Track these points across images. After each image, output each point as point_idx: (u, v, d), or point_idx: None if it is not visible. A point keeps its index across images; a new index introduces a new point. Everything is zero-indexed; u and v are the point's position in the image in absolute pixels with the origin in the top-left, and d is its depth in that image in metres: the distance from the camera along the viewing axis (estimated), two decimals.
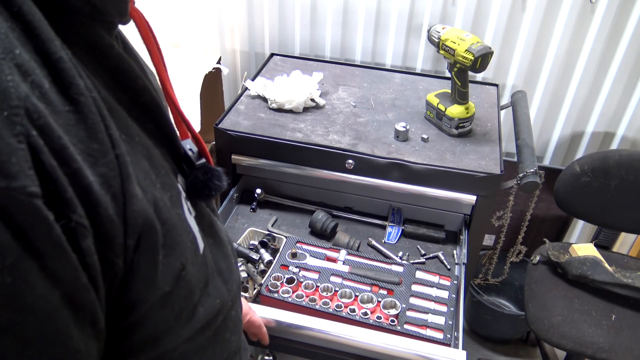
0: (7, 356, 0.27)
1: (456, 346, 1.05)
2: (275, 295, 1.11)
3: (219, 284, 0.50)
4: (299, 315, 1.03)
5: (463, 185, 1.29)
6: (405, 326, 1.07)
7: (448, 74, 1.40)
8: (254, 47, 1.92)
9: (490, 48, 1.27)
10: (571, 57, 1.71)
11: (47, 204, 0.28)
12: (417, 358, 0.98)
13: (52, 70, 0.31)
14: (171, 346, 0.44)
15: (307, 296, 1.12)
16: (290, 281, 1.15)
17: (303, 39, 1.86)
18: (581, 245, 1.63)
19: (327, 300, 1.11)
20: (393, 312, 1.09)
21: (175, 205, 0.43)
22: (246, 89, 1.56)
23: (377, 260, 1.23)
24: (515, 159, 1.41)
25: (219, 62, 1.73)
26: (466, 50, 1.27)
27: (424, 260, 1.30)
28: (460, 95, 1.38)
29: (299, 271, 1.18)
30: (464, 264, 1.26)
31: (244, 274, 1.20)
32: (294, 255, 1.22)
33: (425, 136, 1.39)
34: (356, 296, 1.12)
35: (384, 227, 1.39)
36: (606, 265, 1.53)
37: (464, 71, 1.34)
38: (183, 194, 0.46)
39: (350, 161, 1.32)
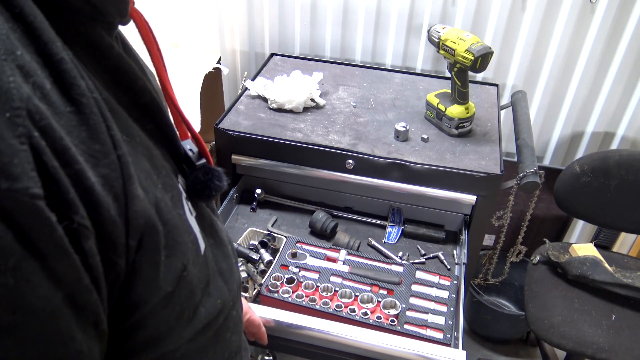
0: (9, 357, 0.27)
1: (456, 346, 1.05)
2: (275, 295, 1.11)
3: (220, 284, 0.51)
4: (299, 315, 1.03)
5: (463, 185, 1.29)
6: (405, 326, 1.07)
7: (448, 74, 1.40)
8: (254, 47, 1.92)
9: (490, 48, 1.27)
10: (571, 57, 1.71)
11: (50, 205, 0.28)
12: (417, 358, 0.98)
13: (53, 71, 0.31)
14: (173, 346, 0.44)
15: (307, 296, 1.12)
16: (290, 281, 1.15)
17: (303, 39, 1.86)
18: (581, 245, 1.63)
19: (327, 300, 1.11)
20: (393, 312, 1.09)
21: (177, 206, 0.43)
22: (246, 89, 1.56)
23: (377, 260, 1.23)
24: (515, 159, 1.41)
25: (219, 62, 1.73)
26: (466, 50, 1.27)
27: (424, 260, 1.30)
28: (460, 95, 1.38)
29: (299, 271, 1.18)
30: (464, 264, 1.26)
31: (244, 274, 1.20)
32: (294, 255, 1.22)
33: (425, 136, 1.39)
34: (356, 296, 1.12)
35: (384, 227, 1.39)
36: (606, 265, 1.53)
37: (464, 71, 1.34)
38: (184, 194, 0.46)
39: (350, 161, 1.32)
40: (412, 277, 1.19)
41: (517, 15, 1.67)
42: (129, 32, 0.49)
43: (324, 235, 1.35)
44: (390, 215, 1.41)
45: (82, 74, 0.34)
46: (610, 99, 1.75)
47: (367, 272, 1.19)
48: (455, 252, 1.34)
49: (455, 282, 1.19)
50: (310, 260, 1.21)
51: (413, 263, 1.27)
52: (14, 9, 0.30)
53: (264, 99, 1.51)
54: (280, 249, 1.24)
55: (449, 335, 1.06)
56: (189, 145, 0.51)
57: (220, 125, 1.38)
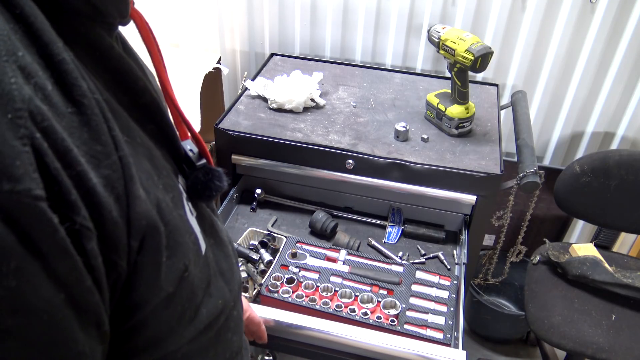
0: (12, 359, 0.27)
1: (456, 346, 1.05)
2: (275, 295, 1.11)
3: (220, 285, 0.51)
4: (299, 315, 1.03)
5: (463, 185, 1.29)
6: (405, 326, 1.07)
7: (448, 74, 1.40)
8: (254, 47, 1.92)
9: (490, 48, 1.27)
10: (571, 57, 1.71)
11: (52, 206, 0.28)
12: (417, 358, 0.98)
13: (54, 72, 0.31)
14: (174, 347, 0.44)
15: (307, 296, 1.12)
16: (290, 281, 1.15)
17: (303, 39, 1.86)
18: (581, 245, 1.63)
19: (327, 300, 1.11)
20: (393, 312, 1.09)
21: (177, 206, 0.43)
22: (246, 89, 1.56)
23: (377, 260, 1.23)
24: (515, 159, 1.41)
25: (219, 62, 1.73)
26: (466, 50, 1.27)
27: (424, 260, 1.30)
28: (460, 95, 1.38)
29: (299, 271, 1.18)
30: (464, 264, 1.26)
31: (244, 274, 1.20)
32: (294, 255, 1.22)
33: (425, 136, 1.39)
34: (356, 296, 1.12)
35: (384, 227, 1.39)
36: (606, 265, 1.53)
37: (464, 71, 1.34)
38: (184, 195, 0.46)
39: (350, 161, 1.32)
40: (412, 277, 1.19)
41: (517, 15, 1.67)
42: (129, 32, 0.49)
43: (324, 235, 1.35)
44: (390, 215, 1.41)
45: (83, 75, 0.34)
46: (610, 99, 1.75)
47: (367, 272, 1.19)
48: (455, 252, 1.34)
49: (455, 282, 1.19)
50: (310, 260, 1.21)
51: (413, 263, 1.28)
52: (14, 10, 0.30)
53: (264, 99, 1.51)
54: (280, 249, 1.24)
55: (449, 335, 1.06)
56: (189, 145, 0.51)
57: (220, 125, 1.38)
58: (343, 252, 1.24)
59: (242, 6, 1.82)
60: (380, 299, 1.11)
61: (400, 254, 1.30)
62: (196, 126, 1.45)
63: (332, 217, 1.36)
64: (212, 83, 1.71)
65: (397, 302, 1.11)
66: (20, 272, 0.26)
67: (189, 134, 0.52)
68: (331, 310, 1.09)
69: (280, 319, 1.02)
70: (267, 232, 1.32)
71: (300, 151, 1.33)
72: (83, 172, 0.30)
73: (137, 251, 0.36)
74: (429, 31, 1.39)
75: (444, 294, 1.15)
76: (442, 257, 1.31)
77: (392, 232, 1.37)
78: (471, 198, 1.30)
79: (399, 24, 1.76)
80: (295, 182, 1.44)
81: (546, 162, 1.92)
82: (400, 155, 1.31)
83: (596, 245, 1.63)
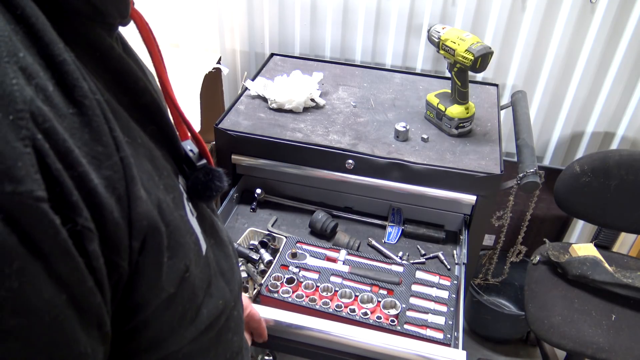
0: None
1: (456, 346, 1.05)
2: (275, 295, 1.11)
3: (221, 285, 0.51)
4: (299, 315, 1.03)
5: (463, 185, 1.29)
6: (405, 326, 1.07)
7: (448, 74, 1.40)
8: (254, 47, 1.92)
9: (490, 48, 1.27)
10: (571, 57, 1.71)
11: (53, 207, 0.28)
12: (417, 358, 0.98)
13: (55, 73, 0.31)
14: (175, 348, 0.44)
15: (307, 296, 1.12)
16: (290, 281, 1.15)
17: (303, 39, 1.86)
18: (581, 245, 1.63)
19: (327, 300, 1.11)
20: (393, 312, 1.09)
21: (178, 207, 0.43)
22: (246, 89, 1.56)
23: (377, 260, 1.23)
24: (515, 159, 1.41)
25: (219, 62, 1.73)
26: (466, 50, 1.27)
27: (424, 260, 1.30)
28: (460, 95, 1.38)
29: (299, 271, 1.18)
30: (464, 264, 1.26)
31: (244, 274, 1.20)
32: (294, 255, 1.22)
33: (425, 136, 1.39)
34: (356, 296, 1.12)
35: (384, 227, 1.39)
36: (606, 265, 1.53)
37: (464, 71, 1.34)
38: (184, 195, 0.46)
39: (350, 161, 1.32)
40: (412, 277, 1.19)
41: (517, 15, 1.67)
42: (129, 32, 0.49)
43: (324, 235, 1.35)
44: (390, 215, 1.41)
45: (84, 76, 0.34)
46: (610, 99, 1.75)
47: (367, 272, 1.19)
48: (455, 252, 1.34)
49: (455, 282, 1.19)
50: (310, 260, 1.21)
51: (413, 263, 1.28)
52: (15, 11, 0.30)
53: (264, 99, 1.51)
54: (280, 249, 1.24)
55: (449, 335, 1.06)
56: (189, 145, 0.51)
57: (220, 125, 1.38)
58: (343, 252, 1.24)
59: (242, 6, 1.82)
60: (380, 299, 1.11)
61: (400, 254, 1.31)
62: (196, 126, 1.46)
63: (332, 217, 1.36)
64: (212, 83, 1.71)
65: (397, 302, 1.11)
66: (22, 273, 0.26)
67: (189, 134, 0.52)
68: (331, 310, 1.09)
69: (280, 319, 1.02)
70: (267, 232, 1.32)
71: (300, 151, 1.33)
72: (84, 173, 0.30)
73: (139, 252, 0.36)
74: (429, 31, 1.39)
75: (444, 294, 1.15)
76: (442, 257, 1.31)
77: (392, 232, 1.37)
78: (471, 198, 1.30)
79: (399, 24, 1.76)
80: (295, 182, 1.44)
81: (546, 162, 1.92)
82: (400, 155, 1.31)
83: (596, 245, 1.63)
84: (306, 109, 1.49)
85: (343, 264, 1.22)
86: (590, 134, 1.83)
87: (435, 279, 1.20)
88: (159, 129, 0.45)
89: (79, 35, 0.37)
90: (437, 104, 1.42)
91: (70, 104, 0.31)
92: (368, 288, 1.15)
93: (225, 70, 1.68)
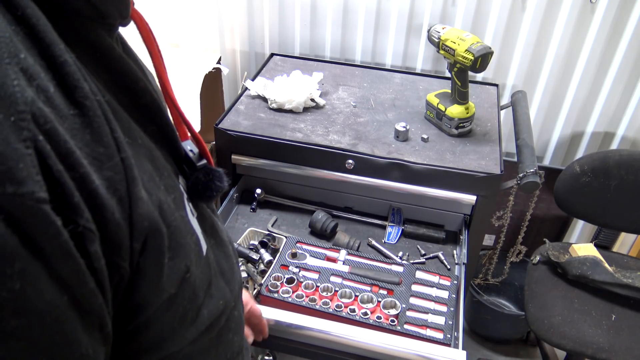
0: None
1: (456, 346, 1.05)
2: (275, 295, 1.11)
3: (221, 285, 0.51)
4: (299, 315, 1.03)
5: (463, 185, 1.29)
6: (405, 326, 1.07)
7: (448, 74, 1.40)
8: (254, 47, 1.92)
9: (490, 48, 1.27)
10: (571, 57, 1.71)
11: (55, 209, 0.28)
12: (417, 358, 0.98)
13: (56, 74, 0.31)
14: (176, 348, 0.44)
15: (307, 296, 1.12)
16: (290, 281, 1.15)
17: (303, 39, 1.86)
18: (581, 245, 1.63)
19: (327, 300, 1.11)
20: (393, 312, 1.09)
21: (179, 207, 0.43)
22: (246, 89, 1.56)
23: (377, 260, 1.23)
24: (515, 159, 1.41)
25: (219, 62, 1.73)
26: (466, 50, 1.27)
27: (424, 260, 1.30)
28: (460, 95, 1.38)
29: (299, 271, 1.18)
30: (464, 264, 1.26)
31: (244, 274, 1.20)
32: (294, 255, 1.22)
33: (425, 136, 1.39)
34: (356, 296, 1.12)
35: (384, 227, 1.39)
36: (606, 265, 1.53)
37: (464, 71, 1.34)
38: (185, 196, 0.46)
39: (350, 161, 1.32)
40: (412, 277, 1.19)
41: (517, 15, 1.67)
42: (129, 32, 0.49)
43: (324, 235, 1.35)
44: (390, 215, 1.41)
45: (85, 77, 0.34)
46: (610, 99, 1.75)
47: (367, 272, 1.19)
48: (455, 252, 1.34)
49: (455, 282, 1.19)
50: (310, 260, 1.21)
51: (413, 263, 1.28)
52: (16, 12, 0.30)
53: (264, 99, 1.51)
54: (280, 249, 1.24)
55: (449, 335, 1.06)
56: (189, 145, 0.51)
57: (220, 125, 1.38)
58: (343, 252, 1.24)
59: (242, 6, 1.82)
60: (380, 299, 1.11)
61: (400, 254, 1.31)
62: (196, 126, 1.46)
63: (332, 217, 1.36)
64: (212, 83, 1.71)
65: (397, 302, 1.11)
66: (24, 274, 0.26)
67: (189, 134, 0.52)
68: (331, 310, 1.09)
69: (280, 319, 1.02)
70: (267, 232, 1.32)
71: (300, 151, 1.33)
72: (86, 174, 0.30)
73: (140, 253, 0.36)
74: (429, 31, 1.39)
75: (444, 294, 1.15)
76: (442, 257, 1.31)
77: (392, 232, 1.37)
78: (471, 198, 1.31)
79: (399, 24, 1.76)
80: (295, 182, 1.44)
81: (546, 162, 1.92)
82: (400, 155, 1.31)
83: (596, 245, 1.63)
84: (306, 109, 1.49)
85: (343, 264, 1.22)
86: (590, 134, 1.83)
87: (435, 279, 1.20)
88: (159, 129, 0.45)
89: (79, 36, 0.37)
90: (437, 104, 1.42)
91: (71, 105, 0.31)
92: (368, 288, 1.15)
93: (225, 70, 1.68)
